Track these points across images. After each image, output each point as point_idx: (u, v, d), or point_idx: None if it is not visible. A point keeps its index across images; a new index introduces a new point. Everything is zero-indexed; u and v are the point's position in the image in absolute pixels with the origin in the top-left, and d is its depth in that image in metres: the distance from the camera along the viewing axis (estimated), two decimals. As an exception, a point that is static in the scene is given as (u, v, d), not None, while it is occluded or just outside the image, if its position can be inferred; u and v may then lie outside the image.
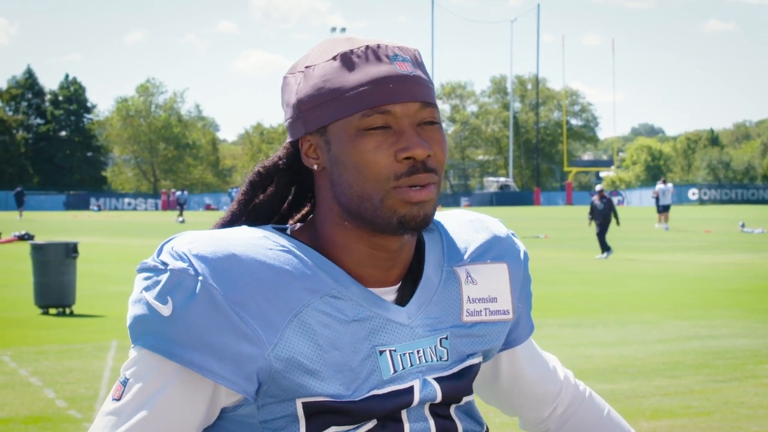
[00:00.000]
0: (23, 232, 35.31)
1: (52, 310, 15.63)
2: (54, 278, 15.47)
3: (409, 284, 1.91)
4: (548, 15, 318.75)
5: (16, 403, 8.94)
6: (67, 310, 15.59)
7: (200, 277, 1.72)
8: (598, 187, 29.25)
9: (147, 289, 1.76)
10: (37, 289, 15.59)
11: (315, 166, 1.84)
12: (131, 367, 1.79)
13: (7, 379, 10.04)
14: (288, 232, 1.93)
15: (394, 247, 1.86)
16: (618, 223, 29.08)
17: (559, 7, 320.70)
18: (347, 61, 1.81)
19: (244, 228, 1.85)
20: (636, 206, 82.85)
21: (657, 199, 45.27)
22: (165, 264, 1.76)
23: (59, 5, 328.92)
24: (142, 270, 1.79)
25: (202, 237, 1.79)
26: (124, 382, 1.79)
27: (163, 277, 1.74)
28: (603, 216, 27.65)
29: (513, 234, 2.08)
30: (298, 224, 1.96)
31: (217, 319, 1.71)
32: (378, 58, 1.82)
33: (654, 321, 14.40)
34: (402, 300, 1.89)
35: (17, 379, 10.08)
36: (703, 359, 11.13)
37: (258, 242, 1.80)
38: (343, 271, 1.83)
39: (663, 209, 43.43)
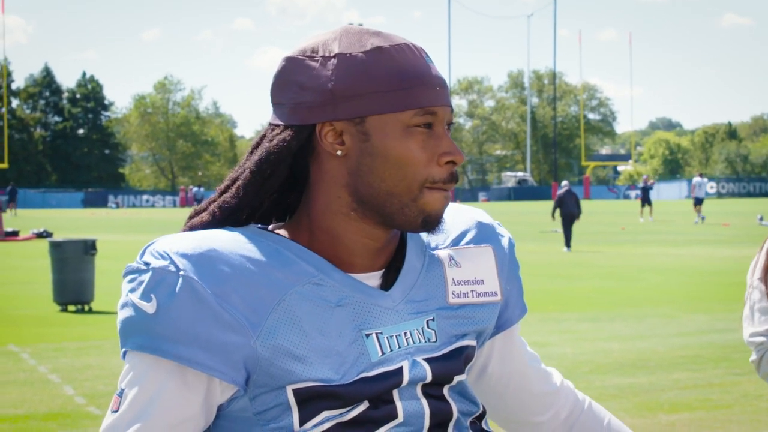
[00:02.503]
0: (42, 230, 35.41)
1: (71, 307, 15.68)
2: (72, 275, 15.52)
3: (392, 271, 1.93)
4: (565, 10, 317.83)
5: (36, 400, 8.97)
6: (86, 307, 15.64)
7: (182, 272, 1.74)
8: (565, 183, 30.34)
9: (131, 290, 1.78)
10: (55, 287, 15.65)
11: (339, 152, 1.83)
12: (125, 377, 1.80)
13: (27, 377, 10.08)
14: (269, 229, 1.94)
15: (387, 236, 1.89)
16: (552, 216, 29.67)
17: (575, 2, 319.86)
18: (392, 56, 1.83)
19: (226, 228, 1.86)
20: (654, 200, 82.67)
21: (643, 190, 45.61)
22: (147, 264, 1.78)
23: (75, 3, 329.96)
24: (127, 273, 1.81)
25: (183, 236, 1.82)
26: (120, 393, 1.80)
27: (146, 277, 1.76)
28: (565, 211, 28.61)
29: (498, 224, 2.11)
30: (281, 223, 1.96)
31: (200, 311, 1.73)
32: (420, 58, 1.85)
33: (672, 315, 14.37)
34: (386, 286, 1.91)
35: (36, 376, 10.12)
36: (722, 353, 11.11)
37: (238, 238, 1.82)
38: (325, 259, 1.85)
39: (697, 202, 43.65)
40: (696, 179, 44.59)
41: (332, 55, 1.84)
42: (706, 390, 9.22)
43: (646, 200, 45.60)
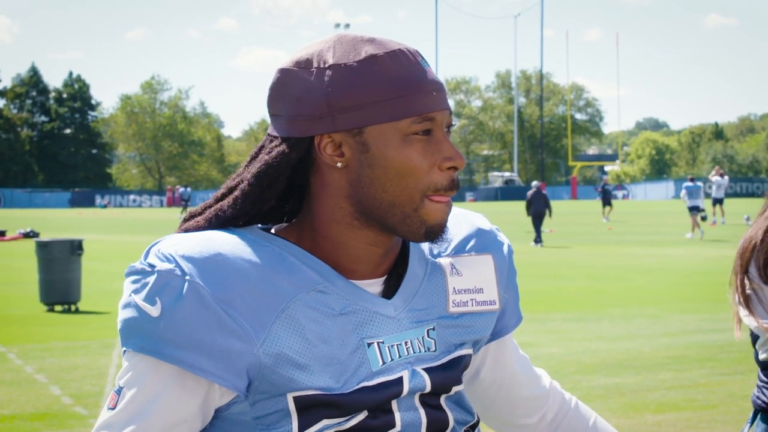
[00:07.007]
0: (28, 230, 35.34)
1: (58, 308, 15.66)
2: (59, 275, 15.50)
3: (394, 278, 1.93)
4: (551, 10, 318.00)
5: (22, 400, 8.96)
6: (72, 307, 15.62)
7: (187, 277, 1.73)
8: (535, 183, 32.78)
9: (135, 291, 1.77)
10: (42, 287, 15.62)
11: (339, 164, 1.82)
12: (125, 375, 1.79)
13: (13, 377, 10.07)
14: (273, 231, 1.93)
15: (391, 241, 1.89)
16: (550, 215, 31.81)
17: (562, 3, 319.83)
18: (387, 64, 1.81)
19: (230, 230, 1.85)
20: (641, 200, 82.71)
21: (603, 192, 45.93)
22: (152, 266, 1.77)
23: (60, 3, 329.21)
24: (130, 274, 1.80)
25: (187, 238, 1.80)
26: (118, 391, 1.80)
27: (151, 279, 1.75)
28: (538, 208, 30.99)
29: (497, 229, 2.11)
30: (284, 224, 1.96)
31: (205, 317, 1.72)
32: (416, 63, 1.83)
33: (659, 315, 14.40)
34: (388, 293, 1.91)
35: (23, 376, 10.11)
36: (708, 353, 11.14)
37: (243, 241, 1.81)
38: (329, 266, 1.84)
39: (715, 202, 41.61)
40: (716, 178, 41.47)
41: (327, 66, 1.82)
42: (692, 390, 9.24)
43: (606, 201, 45.95)
